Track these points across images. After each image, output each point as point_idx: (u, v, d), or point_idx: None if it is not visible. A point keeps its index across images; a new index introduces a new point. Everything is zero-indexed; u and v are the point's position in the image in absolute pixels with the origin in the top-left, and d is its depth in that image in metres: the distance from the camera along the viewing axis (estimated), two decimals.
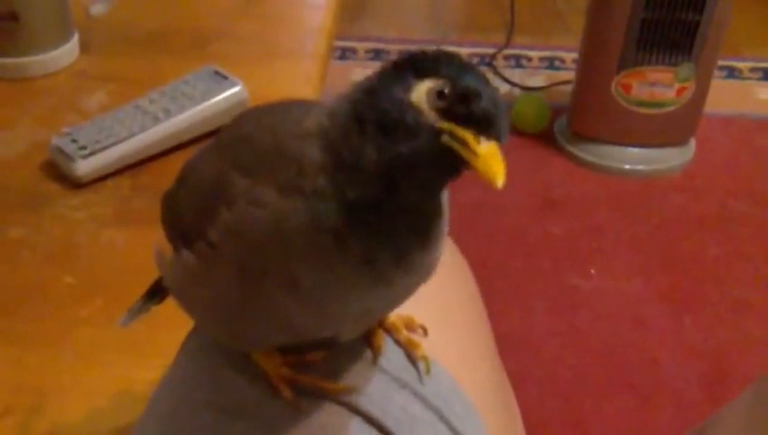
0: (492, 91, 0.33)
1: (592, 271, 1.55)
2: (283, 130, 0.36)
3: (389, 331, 0.45)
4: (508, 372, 0.60)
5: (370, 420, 0.41)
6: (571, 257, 1.58)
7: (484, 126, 0.32)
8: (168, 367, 0.45)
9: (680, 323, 1.44)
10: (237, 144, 0.38)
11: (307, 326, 0.38)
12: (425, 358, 0.44)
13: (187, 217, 0.39)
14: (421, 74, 0.33)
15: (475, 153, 0.32)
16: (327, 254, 0.34)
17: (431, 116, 0.32)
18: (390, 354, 0.44)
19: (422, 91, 0.33)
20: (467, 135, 0.32)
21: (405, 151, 0.32)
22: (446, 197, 0.37)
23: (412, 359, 0.44)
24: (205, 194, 0.38)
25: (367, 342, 0.44)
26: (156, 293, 0.49)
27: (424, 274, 0.37)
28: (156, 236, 0.42)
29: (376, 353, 0.43)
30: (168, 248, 0.41)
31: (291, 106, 0.39)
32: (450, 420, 0.43)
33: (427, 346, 0.44)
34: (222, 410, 0.40)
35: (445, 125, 0.32)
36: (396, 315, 0.45)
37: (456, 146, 0.32)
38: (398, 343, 0.44)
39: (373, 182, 0.33)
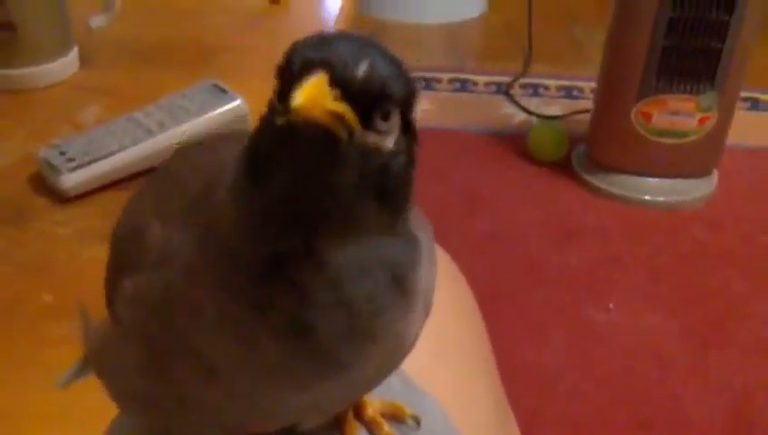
0: (320, 36, 0.26)
1: (610, 305, 1.49)
2: (207, 171, 0.30)
3: (369, 427, 0.36)
4: (523, 407, 0.55)
5: None
6: (589, 290, 1.52)
7: (303, 71, 0.24)
8: None
9: (703, 360, 1.38)
10: (162, 184, 0.33)
11: (241, 423, 0.30)
12: None
13: (106, 273, 0.33)
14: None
15: (287, 111, 0.23)
16: (244, 326, 0.26)
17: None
18: None
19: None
20: (283, 101, 0.24)
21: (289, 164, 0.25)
22: (428, 232, 0.30)
23: None
24: (119, 247, 0.32)
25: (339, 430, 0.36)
26: None
27: (398, 342, 0.29)
28: None
29: None
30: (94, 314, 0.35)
31: (222, 142, 0.33)
32: None
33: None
34: None
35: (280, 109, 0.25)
36: (380, 403, 0.37)
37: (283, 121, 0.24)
38: None
39: (286, 224, 0.25)
